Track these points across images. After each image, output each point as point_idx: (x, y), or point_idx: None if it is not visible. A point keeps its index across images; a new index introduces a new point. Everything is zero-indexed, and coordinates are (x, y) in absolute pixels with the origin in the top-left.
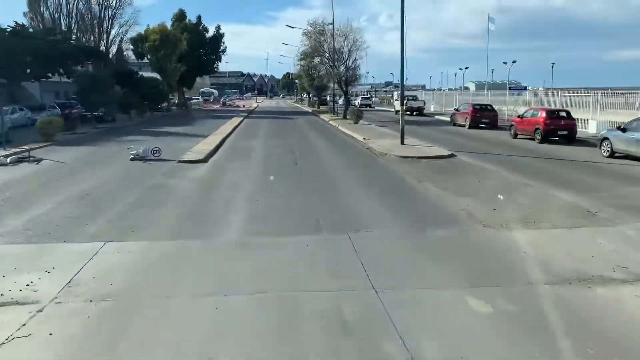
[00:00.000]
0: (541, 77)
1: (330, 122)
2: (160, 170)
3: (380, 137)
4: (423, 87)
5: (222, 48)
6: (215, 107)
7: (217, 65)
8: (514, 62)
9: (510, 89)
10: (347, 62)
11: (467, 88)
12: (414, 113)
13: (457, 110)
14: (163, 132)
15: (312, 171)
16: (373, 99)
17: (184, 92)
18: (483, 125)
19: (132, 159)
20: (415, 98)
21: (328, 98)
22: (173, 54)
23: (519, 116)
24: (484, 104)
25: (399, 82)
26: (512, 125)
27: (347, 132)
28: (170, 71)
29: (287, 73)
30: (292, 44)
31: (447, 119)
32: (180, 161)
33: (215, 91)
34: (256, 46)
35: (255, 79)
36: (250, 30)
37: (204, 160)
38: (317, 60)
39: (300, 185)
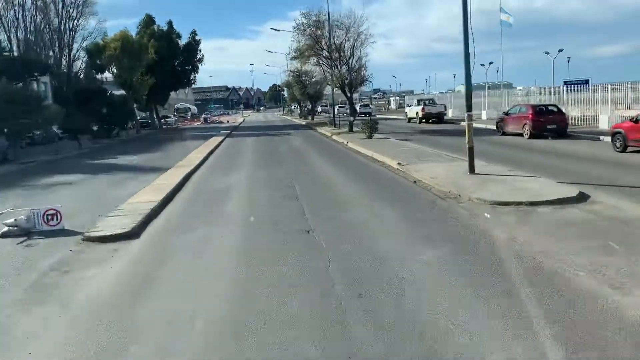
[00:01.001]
0: (527, 77)
1: (334, 137)
2: (34, 267)
3: (420, 158)
4: (411, 92)
5: (198, 57)
6: (195, 124)
7: (194, 76)
8: (490, 63)
9: (566, 83)
10: (351, 60)
11: (458, 92)
12: (432, 120)
13: (506, 114)
14: (110, 164)
15: (342, 253)
16: (371, 106)
17: (156, 109)
18: (548, 133)
19: (3, 236)
20: (432, 102)
21: (319, 108)
22: (138, 64)
23: (632, 120)
24: (546, 105)
25: (388, 88)
26: (616, 133)
27: (365, 153)
28: (137, 85)
29: (274, 85)
30: (277, 51)
31: (481, 126)
32: (86, 238)
33: (192, 107)
34: (241, 60)
35: (241, 93)
36: (234, 45)
37: (134, 233)
38: (312, 61)
39: (333, 306)
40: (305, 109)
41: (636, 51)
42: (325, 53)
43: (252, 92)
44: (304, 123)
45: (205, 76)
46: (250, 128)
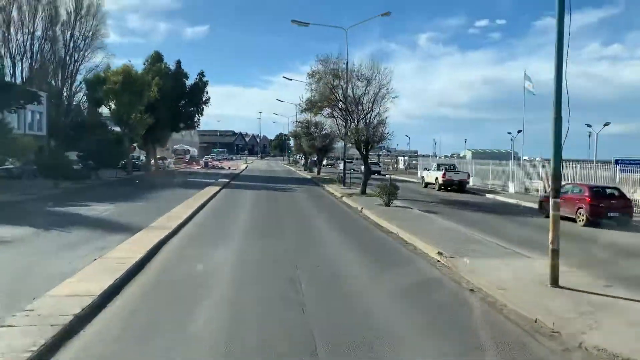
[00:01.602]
0: (531, 148)
1: (345, 199)
2: None
3: (465, 246)
4: (415, 152)
5: (204, 98)
6: (194, 168)
7: (199, 118)
8: (519, 131)
9: (618, 162)
10: (369, 115)
11: (463, 156)
12: (449, 188)
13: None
14: (75, 215)
15: None
16: (380, 164)
17: (154, 150)
18: (609, 221)
19: None
20: (454, 168)
21: (325, 161)
22: (139, 101)
23: None
24: (604, 187)
25: (394, 146)
26: None
27: (388, 228)
28: (134, 123)
29: (280, 134)
30: (287, 101)
31: (510, 201)
32: None
33: (192, 149)
34: (250, 108)
35: (247, 139)
36: (244, 92)
37: None
38: (325, 112)
39: None
40: (311, 161)
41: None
42: (340, 104)
43: (258, 139)
44: (309, 177)
45: (213, 120)
46: (252, 178)
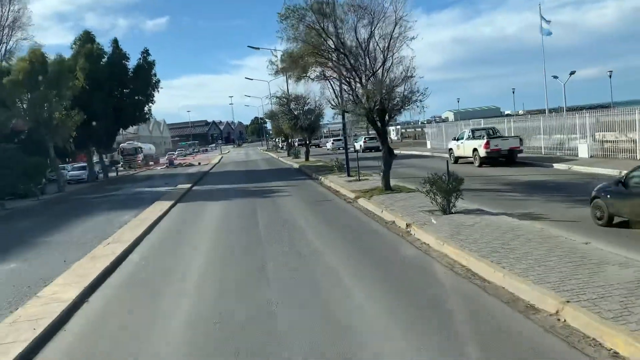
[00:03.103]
0: (504, 102)
1: (364, 202)
2: None
3: None
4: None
5: (153, 81)
6: (156, 168)
7: (149, 108)
8: (493, 90)
9: None
10: (382, 69)
11: (446, 119)
12: (500, 159)
13: None
14: None
15: None
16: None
17: (99, 154)
18: None
19: None
20: (494, 132)
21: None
22: (58, 94)
23: None
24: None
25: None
26: None
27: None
28: (57, 123)
29: (256, 117)
30: (258, 78)
31: (603, 171)
32: None
33: (146, 145)
34: (222, 95)
35: (222, 127)
36: (215, 80)
37: None
38: (313, 74)
39: None
40: (296, 145)
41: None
42: (336, 57)
43: (232, 126)
44: (296, 165)
45: (183, 111)
46: (224, 176)
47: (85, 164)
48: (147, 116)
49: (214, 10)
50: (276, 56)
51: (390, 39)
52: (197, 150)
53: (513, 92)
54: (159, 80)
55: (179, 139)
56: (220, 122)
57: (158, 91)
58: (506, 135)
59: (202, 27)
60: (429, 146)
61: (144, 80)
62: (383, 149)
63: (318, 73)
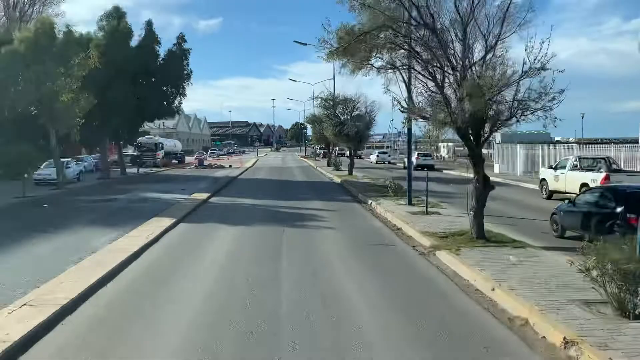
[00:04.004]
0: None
1: (446, 256)
2: None
3: None
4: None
5: (186, 72)
6: (184, 167)
7: (180, 102)
8: None
9: None
10: (491, 55)
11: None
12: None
13: None
14: None
15: None
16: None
17: (119, 147)
18: None
19: None
20: (610, 162)
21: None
22: (66, 73)
23: None
24: None
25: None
26: None
27: None
28: (60, 106)
29: (297, 122)
30: (302, 81)
31: None
32: None
33: (171, 141)
34: (265, 99)
35: (262, 129)
36: (260, 83)
37: None
38: (381, 58)
39: None
40: (338, 154)
41: None
42: (419, 35)
43: (273, 129)
44: (337, 180)
45: (226, 111)
46: (251, 185)
47: (70, 160)
48: (176, 110)
49: (265, 15)
50: (329, 31)
51: (507, 9)
52: (232, 150)
53: (582, 118)
54: (192, 72)
55: (219, 137)
56: (261, 124)
57: (191, 84)
58: (624, 167)
59: (252, 31)
60: (496, 170)
61: (175, 70)
62: (475, 177)
63: (386, 61)
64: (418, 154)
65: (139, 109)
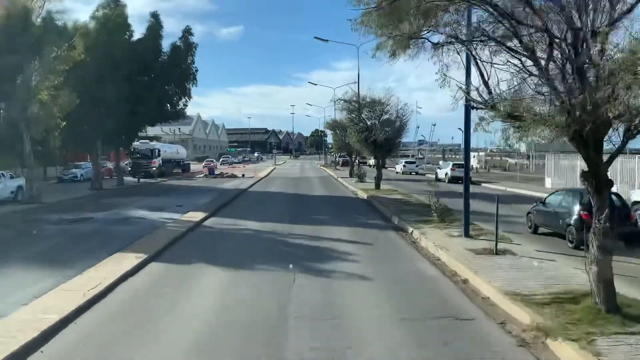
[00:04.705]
0: None
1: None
2: None
3: None
4: (458, 146)
5: (191, 71)
6: (193, 178)
7: (185, 102)
8: None
9: None
10: None
11: (516, 150)
12: None
13: None
14: None
15: None
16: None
17: (117, 156)
18: None
19: None
20: None
21: (373, 161)
22: (44, 67)
23: None
24: None
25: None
26: None
27: None
28: (29, 105)
29: (316, 130)
30: (323, 84)
31: None
32: None
33: (172, 147)
34: (284, 106)
35: (281, 137)
36: (279, 91)
37: None
38: (436, 29)
39: None
40: (360, 163)
41: None
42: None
43: (292, 137)
44: (363, 195)
45: (245, 118)
46: (263, 200)
47: (4, 173)
48: (180, 113)
49: (284, 23)
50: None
51: None
52: (248, 158)
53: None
54: (197, 71)
55: (237, 145)
56: (280, 131)
57: (195, 84)
58: None
59: (271, 39)
60: (548, 184)
61: (179, 67)
62: (598, 212)
63: (445, 34)
64: (453, 165)
65: (137, 110)
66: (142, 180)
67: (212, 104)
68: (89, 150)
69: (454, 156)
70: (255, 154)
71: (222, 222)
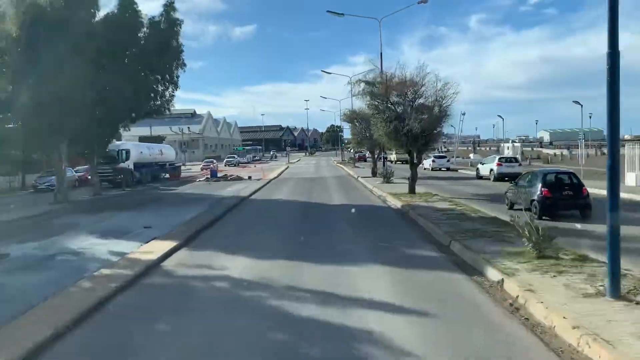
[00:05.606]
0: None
1: None
2: None
3: None
4: (478, 137)
5: (177, 54)
6: (194, 182)
7: (170, 92)
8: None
9: None
10: None
11: (540, 139)
12: None
13: None
14: None
15: None
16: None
17: (92, 161)
18: None
19: None
20: None
21: (394, 156)
22: None
23: None
24: None
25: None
26: None
27: None
28: None
29: (332, 125)
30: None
31: None
32: None
33: (148, 148)
34: (299, 103)
35: (296, 133)
36: (294, 88)
37: None
38: None
39: None
40: (381, 160)
41: None
42: None
43: (307, 133)
44: (395, 204)
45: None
46: (264, 214)
47: None
48: (164, 106)
49: (297, 21)
50: None
51: None
52: (258, 157)
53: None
54: (182, 50)
55: (251, 142)
56: (295, 128)
57: (183, 70)
58: None
59: (285, 37)
60: (630, 181)
61: (161, 50)
62: None
63: None
64: (500, 160)
65: (110, 104)
66: (129, 189)
67: (228, 103)
68: (48, 154)
69: (486, 149)
70: (271, 152)
71: (191, 262)
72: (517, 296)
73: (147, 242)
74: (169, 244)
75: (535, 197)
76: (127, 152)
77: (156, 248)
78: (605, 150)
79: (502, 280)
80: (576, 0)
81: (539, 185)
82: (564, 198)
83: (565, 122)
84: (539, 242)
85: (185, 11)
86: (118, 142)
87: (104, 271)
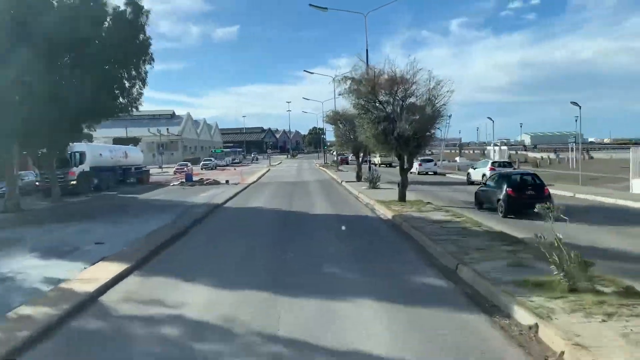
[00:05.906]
0: (569, 128)
1: None
2: None
3: None
4: (460, 140)
5: (144, 47)
6: (167, 186)
7: (138, 89)
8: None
9: None
10: None
11: (521, 142)
12: None
13: None
14: None
15: None
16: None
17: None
18: None
19: None
20: None
21: (379, 159)
22: None
23: None
24: None
25: None
26: None
27: None
28: None
29: (314, 127)
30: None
31: None
32: None
33: (110, 150)
34: (282, 105)
35: (278, 135)
36: (277, 90)
37: None
38: None
39: None
40: (371, 165)
41: None
42: None
43: (289, 135)
44: (385, 213)
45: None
46: (238, 226)
47: None
48: (132, 105)
49: (280, 22)
50: None
51: None
52: (238, 160)
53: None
54: (150, 43)
55: (233, 145)
56: (277, 130)
57: (152, 65)
58: None
59: (268, 38)
60: (638, 189)
61: (126, 42)
62: None
63: None
64: (493, 164)
65: (63, 101)
66: (93, 194)
67: (210, 104)
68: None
69: (470, 152)
70: (252, 154)
71: (139, 295)
72: (563, 352)
73: (94, 264)
74: (117, 268)
75: (501, 197)
76: (82, 154)
77: (100, 274)
78: (594, 155)
79: (537, 325)
80: (556, 6)
81: (505, 186)
82: (527, 197)
83: (546, 125)
84: (572, 270)
85: (166, 12)
86: (73, 144)
87: (21, 310)
